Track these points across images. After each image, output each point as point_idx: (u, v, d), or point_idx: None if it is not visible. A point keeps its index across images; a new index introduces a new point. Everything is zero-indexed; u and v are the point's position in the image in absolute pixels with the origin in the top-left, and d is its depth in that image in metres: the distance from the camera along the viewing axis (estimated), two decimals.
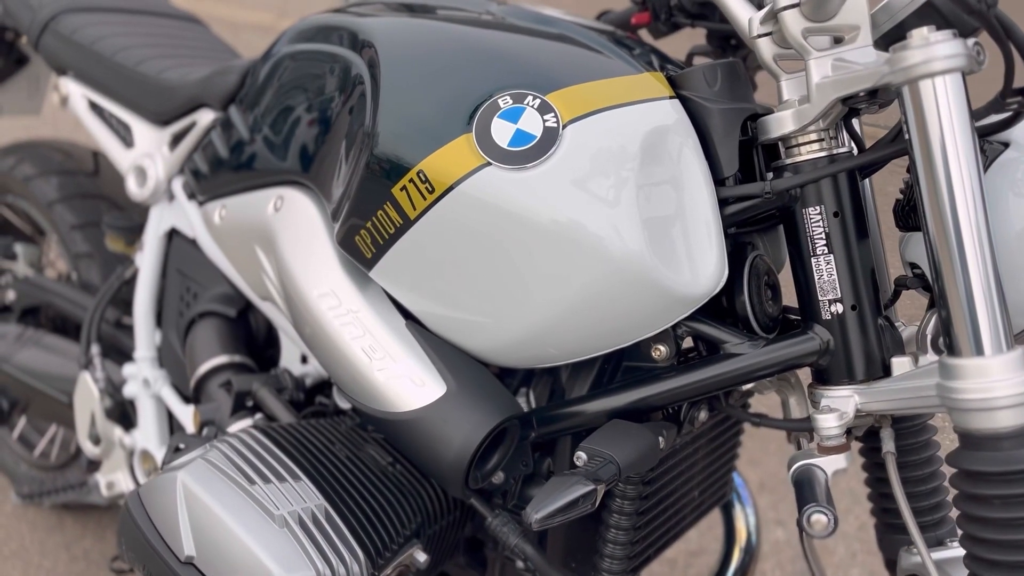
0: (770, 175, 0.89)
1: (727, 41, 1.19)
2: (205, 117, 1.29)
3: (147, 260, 1.38)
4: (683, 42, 1.23)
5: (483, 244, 0.87)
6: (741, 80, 0.92)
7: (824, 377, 0.88)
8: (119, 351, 1.48)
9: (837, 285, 0.85)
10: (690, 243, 0.85)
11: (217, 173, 1.24)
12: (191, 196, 1.32)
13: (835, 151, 0.85)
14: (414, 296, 0.95)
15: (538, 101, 0.86)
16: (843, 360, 0.85)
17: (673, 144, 0.86)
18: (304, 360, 1.20)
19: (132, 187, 1.39)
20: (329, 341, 0.98)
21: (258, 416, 1.09)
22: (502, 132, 0.85)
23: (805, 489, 0.84)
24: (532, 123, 0.85)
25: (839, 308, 0.85)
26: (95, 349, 1.41)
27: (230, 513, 0.87)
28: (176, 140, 1.36)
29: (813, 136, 0.85)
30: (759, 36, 0.87)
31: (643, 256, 0.82)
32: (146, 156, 1.38)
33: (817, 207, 0.85)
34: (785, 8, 0.81)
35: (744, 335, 0.89)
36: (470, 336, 0.93)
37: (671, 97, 0.89)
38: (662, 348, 0.93)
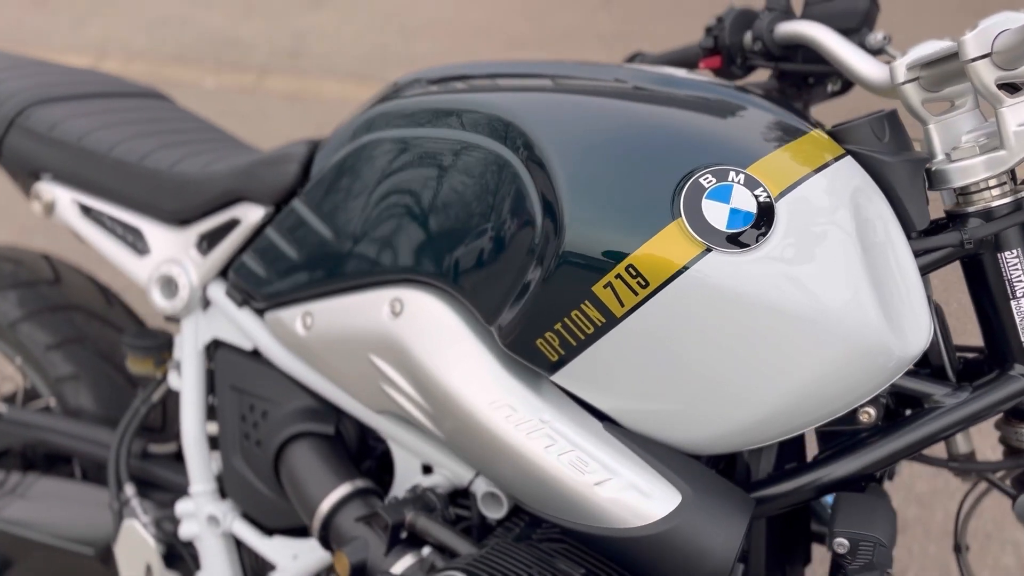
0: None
1: (804, 80, 1.18)
2: (251, 213, 1.14)
3: (189, 380, 1.21)
4: None
5: (706, 334, 0.81)
6: (903, 130, 0.91)
7: None
8: (154, 486, 1.29)
9: None
10: (904, 302, 0.84)
11: (286, 277, 1.10)
12: (243, 303, 1.17)
13: (1020, 194, 0.86)
14: (610, 395, 0.88)
15: (742, 176, 0.82)
16: None
17: (871, 203, 0.85)
18: (427, 470, 1.09)
19: (158, 300, 1.22)
20: (515, 455, 0.89)
21: (426, 551, 0.97)
22: (716, 214, 0.80)
23: None
24: (744, 200, 0.81)
25: None
26: (130, 490, 1.23)
27: None
28: (206, 241, 1.20)
29: (995, 181, 0.86)
30: (907, 82, 0.87)
31: (880, 324, 0.80)
32: (171, 263, 1.21)
33: (1015, 250, 0.86)
34: (976, 59, 0.81)
35: (946, 385, 0.89)
36: (678, 428, 0.87)
37: (844, 155, 0.87)
38: (871, 411, 0.91)
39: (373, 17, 5.68)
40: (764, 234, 0.79)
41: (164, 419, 1.40)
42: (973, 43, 0.79)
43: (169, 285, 1.22)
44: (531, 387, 0.91)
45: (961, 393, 0.88)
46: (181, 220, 1.22)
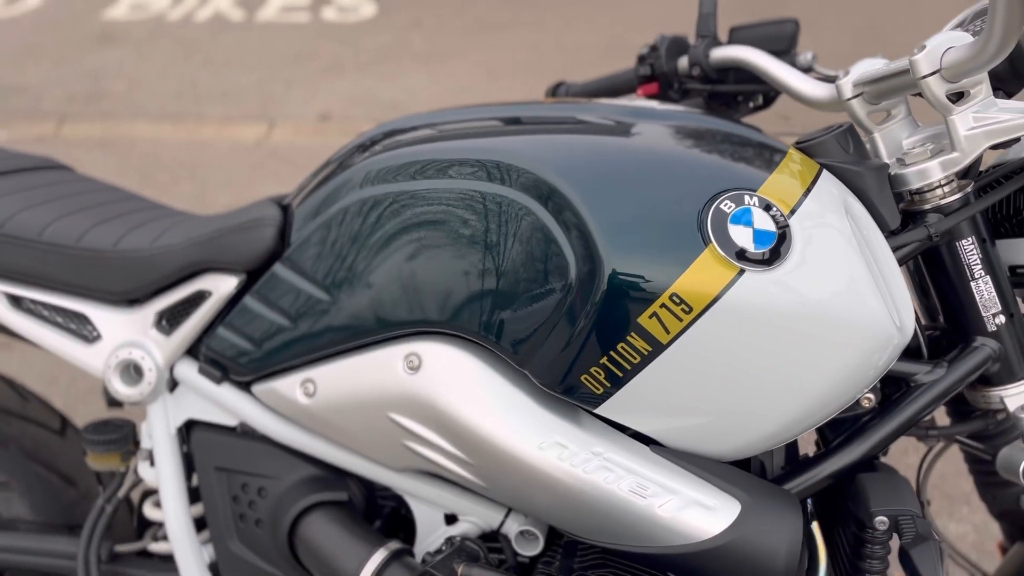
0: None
1: (734, 99, 1.28)
2: (222, 284, 1.09)
3: (166, 469, 1.13)
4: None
5: (747, 347, 0.87)
6: (860, 140, 1.02)
7: (994, 380, 1.01)
8: None
9: (996, 300, 0.99)
10: (894, 293, 0.94)
11: (275, 345, 1.06)
12: (221, 379, 1.11)
13: (966, 189, 0.99)
14: (654, 418, 0.92)
15: (756, 199, 0.89)
16: (1017, 361, 1.00)
17: (855, 209, 0.94)
18: (450, 520, 1.08)
19: (119, 388, 1.13)
20: (575, 493, 0.91)
21: None
22: (742, 236, 0.87)
23: None
24: (764, 222, 0.88)
25: (1001, 319, 0.99)
26: None
27: None
28: (166, 319, 1.13)
29: (945, 180, 0.98)
30: (852, 98, 0.98)
31: (885, 316, 0.89)
32: (129, 347, 1.13)
33: (970, 238, 0.98)
34: (928, 76, 0.92)
35: (925, 363, 1.00)
36: (718, 439, 0.93)
37: (821, 169, 0.97)
38: (871, 397, 1.00)
39: (174, 51, 5.40)
40: (786, 250, 0.86)
41: (131, 515, 1.29)
42: (924, 62, 0.90)
43: (130, 371, 1.13)
44: (574, 422, 0.94)
45: (939, 369, 0.99)
46: (132, 300, 1.14)
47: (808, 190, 0.92)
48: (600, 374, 0.90)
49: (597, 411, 0.92)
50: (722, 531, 0.88)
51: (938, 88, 0.91)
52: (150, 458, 1.16)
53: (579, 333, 0.89)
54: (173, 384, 1.15)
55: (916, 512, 0.91)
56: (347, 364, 1.03)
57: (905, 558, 0.87)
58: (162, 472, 1.14)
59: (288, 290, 1.05)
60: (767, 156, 0.95)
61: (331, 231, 1.02)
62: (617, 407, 0.91)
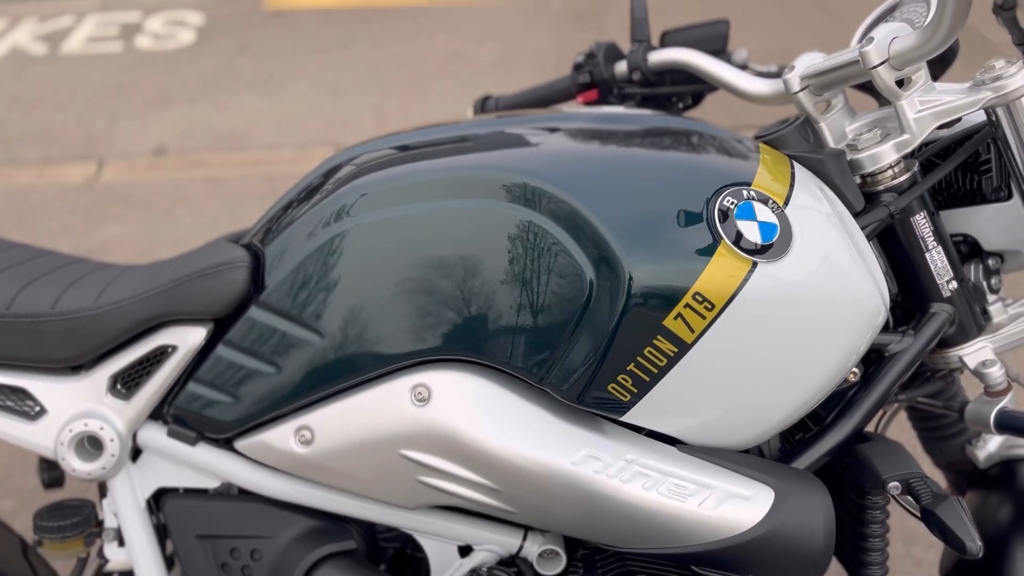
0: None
1: (668, 99, 1.32)
2: (189, 337, 1.00)
3: (138, 547, 1.02)
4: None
5: (766, 336, 0.90)
6: (815, 131, 1.08)
7: (950, 342, 1.09)
8: None
9: (948, 268, 1.07)
10: (872, 270, 1.00)
11: (259, 395, 0.98)
12: (196, 440, 1.02)
13: (913, 169, 1.06)
14: (679, 418, 0.93)
15: (753, 192, 0.92)
16: (969, 322, 1.09)
17: (828, 195, 1.00)
18: (464, 552, 1.04)
19: (77, 465, 1.01)
20: (615, 503, 0.91)
21: None
22: (750, 231, 0.90)
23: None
24: (766, 215, 0.91)
25: (954, 285, 1.07)
26: None
27: None
28: (121, 382, 1.03)
29: (895, 162, 1.06)
30: (800, 91, 1.04)
31: (874, 290, 0.95)
32: (83, 419, 1.01)
33: (922, 212, 1.06)
34: (878, 65, 0.99)
35: (893, 333, 1.07)
36: (736, 430, 0.95)
37: (790, 160, 1.02)
38: (857, 370, 1.06)
39: None
40: (789, 240, 0.90)
41: None
42: (874, 52, 0.96)
43: (86, 445, 1.02)
44: (599, 432, 0.93)
45: (907, 338, 1.06)
46: (77, 367, 1.03)
47: (792, 181, 0.96)
48: (627, 381, 0.90)
49: (623, 418, 0.92)
50: (762, 519, 0.90)
51: (888, 76, 0.97)
52: (118, 538, 1.05)
53: (604, 342, 0.88)
54: (135, 452, 1.05)
55: (923, 473, 0.97)
56: (346, 405, 0.97)
57: (930, 518, 0.93)
58: (135, 551, 1.03)
59: (269, 334, 0.98)
60: (745, 151, 0.99)
61: (316, 265, 0.96)
62: (644, 412, 0.92)
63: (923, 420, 1.31)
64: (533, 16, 5.45)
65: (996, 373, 1.07)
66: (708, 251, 0.88)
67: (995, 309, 1.11)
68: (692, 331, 0.88)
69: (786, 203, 0.93)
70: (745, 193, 0.92)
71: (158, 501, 1.06)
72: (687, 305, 0.88)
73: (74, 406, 1.02)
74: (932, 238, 1.06)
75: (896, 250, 1.07)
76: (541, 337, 0.91)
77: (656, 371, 0.89)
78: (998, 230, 1.12)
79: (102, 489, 1.10)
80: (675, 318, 0.88)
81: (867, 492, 1.03)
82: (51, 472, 1.12)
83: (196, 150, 4.18)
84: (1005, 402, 1.07)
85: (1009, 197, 1.08)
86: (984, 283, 1.12)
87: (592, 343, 0.89)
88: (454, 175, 0.95)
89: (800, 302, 0.90)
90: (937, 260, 1.06)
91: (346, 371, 0.97)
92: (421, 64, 4.89)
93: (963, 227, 1.14)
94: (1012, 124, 0.99)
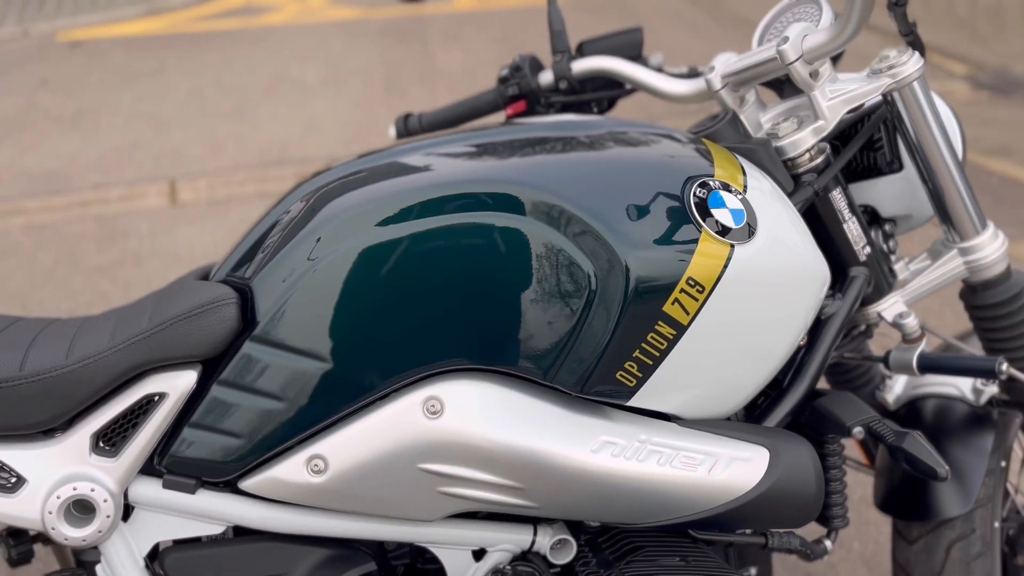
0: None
1: (588, 105, 1.40)
2: (179, 382, 0.96)
3: None
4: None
5: (749, 310, 1.00)
6: (742, 124, 1.19)
7: (867, 300, 1.24)
8: None
9: (863, 235, 1.22)
10: (813, 241, 1.11)
11: (262, 431, 0.96)
12: (195, 487, 0.98)
13: (825, 152, 1.20)
14: (678, 395, 1.01)
15: (717, 182, 1.02)
16: (882, 281, 1.24)
17: (769, 178, 1.11)
18: (477, 556, 1.07)
19: (69, 533, 0.95)
20: (636, 483, 0.97)
21: None
22: (724, 218, 0.99)
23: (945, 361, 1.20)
24: (733, 202, 1.01)
25: (868, 249, 1.22)
26: None
27: None
28: (104, 440, 0.97)
29: (811, 147, 1.19)
30: (721, 88, 1.16)
31: (822, 259, 1.07)
32: (70, 483, 0.95)
33: (838, 188, 1.20)
34: (795, 61, 1.11)
35: (826, 299, 1.20)
36: (723, 400, 1.04)
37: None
38: (806, 335, 1.17)
39: None
40: (755, 222, 1.00)
41: None
42: (791, 50, 1.09)
43: (73, 510, 0.95)
44: (608, 418, 0.99)
45: (837, 301, 1.19)
46: (51, 429, 0.96)
47: (743, 169, 1.06)
48: (633, 367, 0.96)
49: (629, 403, 0.99)
50: (763, 477, 1.00)
51: (803, 70, 1.10)
52: None
53: (610, 334, 0.94)
54: (126, 509, 0.99)
55: (880, 416, 1.10)
56: (357, 428, 0.97)
57: (898, 452, 1.05)
58: None
59: (268, 368, 0.97)
60: (694, 146, 1.08)
61: (313, 292, 0.96)
62: (648, 394, 0.99)
63: (837, 374, 1.46)
64: (353, 34, 5.42)
65: (912, 323, 1.22)
66: (693, 239, 0.96)
67: (899, 267, 1.27)
68: (687, 313, 0.96)
69: (745, 189, 1.03)
70: (710, 183, 1.01)
71: (155, 556, 1.01)
72: (682, 290, 0.95)
73: (56, 471, 0.96)
74: (847, 210, 1.20)
75: (819, 224, 1.21)
76: (548, 338, 0.95)
77: (658, 355, 0.97)
78: (892, 198, 1.28)
79: (76, 556, 1.03)
80: (672, 303, 0.95)
81: (825, 441, 1.15)
82: (18, 548, 1.04)
83: (13, 198, 3.86)
84: (922, 347, 1.23)
85: (900, 169, 1.24)
86: (884, 245, 1.28)
87: (598, 337, 0.95)
88: (440, 192, 0.97)
89: (771, 277, 1.00)
90: (853, 229, 1.20)
91: (353, 395, 0.97)
92: (244, 88, 4.75)
93: (863, 198, 1.30)
94: (906, 105, 1.15)
